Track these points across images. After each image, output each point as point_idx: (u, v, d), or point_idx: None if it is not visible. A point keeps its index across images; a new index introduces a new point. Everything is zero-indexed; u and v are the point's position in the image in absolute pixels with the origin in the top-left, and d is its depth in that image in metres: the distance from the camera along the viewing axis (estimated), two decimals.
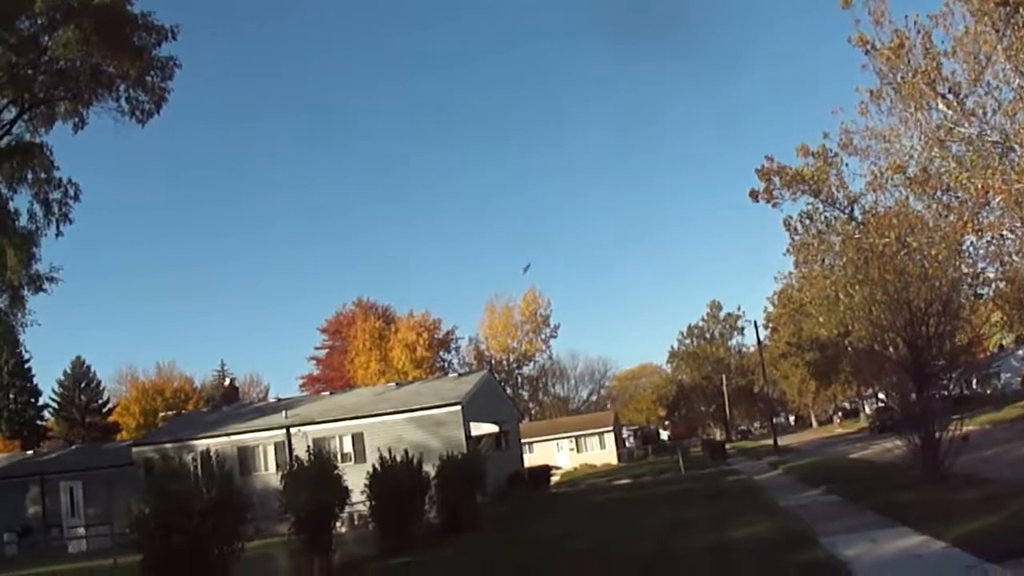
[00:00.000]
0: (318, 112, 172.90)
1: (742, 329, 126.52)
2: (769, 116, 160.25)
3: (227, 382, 71.36)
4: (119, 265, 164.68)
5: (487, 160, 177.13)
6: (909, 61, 29.25)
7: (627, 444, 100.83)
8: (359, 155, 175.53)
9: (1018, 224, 28.76)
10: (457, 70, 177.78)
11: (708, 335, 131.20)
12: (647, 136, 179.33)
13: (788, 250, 39.25)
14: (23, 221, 41.68)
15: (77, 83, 40.46)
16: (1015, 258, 30.84)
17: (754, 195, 38.64)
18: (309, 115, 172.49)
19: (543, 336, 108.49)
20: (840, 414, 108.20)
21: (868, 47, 29.97)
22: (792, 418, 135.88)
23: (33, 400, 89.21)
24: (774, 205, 38.50)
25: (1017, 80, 27.04)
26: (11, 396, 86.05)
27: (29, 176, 42.31)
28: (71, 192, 42.88)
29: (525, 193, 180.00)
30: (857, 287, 31.37)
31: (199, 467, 17.49)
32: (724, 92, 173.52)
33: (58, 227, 42.57)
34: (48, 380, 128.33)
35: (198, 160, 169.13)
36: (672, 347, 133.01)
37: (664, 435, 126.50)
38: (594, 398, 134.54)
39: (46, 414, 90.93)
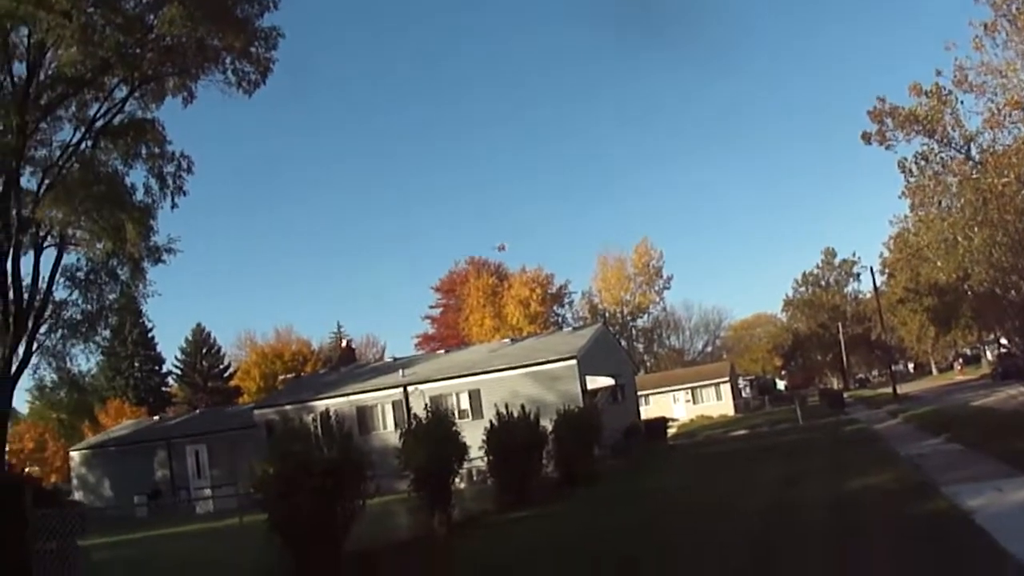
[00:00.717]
0: (427, 68, 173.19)
1: (858, 275, 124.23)
2: (881, 57, 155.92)
3: (344, 344, 72.31)
4: (236, 232, 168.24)
5: (592, 109, 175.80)
6: None
7: (743, 395, 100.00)
8: (466, 111, 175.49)
9: None
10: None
11: (823, 282, 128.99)
12: (756, 82, 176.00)
13: (903, 193, 38.32)
14: (139, 195, 42.65)
15: (184, 58, 41.10)
16: None
17: (866, 137, 37.81)
18: (418, 71, 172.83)
19: (656, 288, 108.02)
20: (961, 361, 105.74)
21: None
22: (911, 365, 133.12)
23: (157, 368, 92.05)
24: (887, 147, 37.60)
25: None
26: (136, 364, 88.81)
27: (143, 151, 43.17)
28: (184, 165, 43.71)
29: (633, 144, 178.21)
30: (976, 229, 30.61)
31: (319, 427, 17.76)
32: (837, 33, 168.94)
33: (173, 199, 43.50)
34: (171, 348, 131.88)
35: (308, 124, 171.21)
36: (787, 295, 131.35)
37: (781, 385, 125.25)
38: (709, 349, 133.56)
39: (170, 381, 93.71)
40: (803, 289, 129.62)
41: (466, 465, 25.08)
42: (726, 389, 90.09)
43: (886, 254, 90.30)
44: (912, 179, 37.68)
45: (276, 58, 42.69)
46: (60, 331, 43.91)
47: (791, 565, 12.36)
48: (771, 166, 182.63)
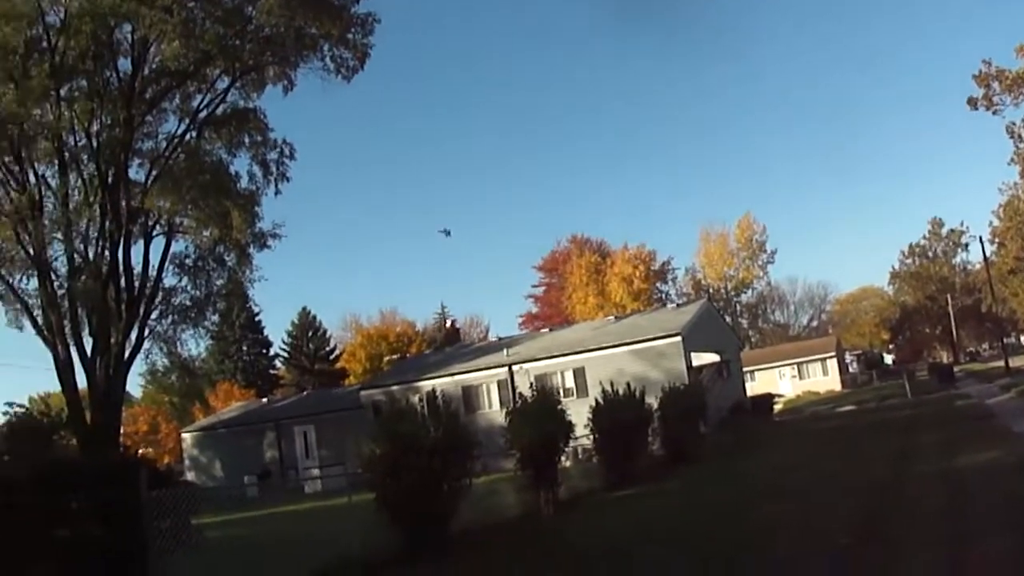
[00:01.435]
0: (526, 48, 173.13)
1: (966, 245, 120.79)
2: (987, 19, 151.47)
3: (448, 324, 72.89)
4: (339, 216, 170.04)
5: (690, 83, 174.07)
6: None
7: (850, 370, 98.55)
8: (565, 88, 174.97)
9: None
10: None
11: (930, 253, 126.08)
12: (860, 49, 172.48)
13: (1013, 159, 37.45)
14: (244, 183, 43.51)
15: (283, 47, 41.84)
16: None
17: (972, 103, 36.95)
18: (516, 50, 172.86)
19: (760, 262, 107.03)
20: None
21: None
22: None
23: (265, 351, 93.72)
24: (995, 112, 36.72)
25: None
26: (244, 348, 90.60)
27: (246, 140, 44.10)
28: (286, 152, 44.58)
29: (734, 116, 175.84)
30: None
31: (425, 407, 17.90)
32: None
33: (276, 186, 44.38)
34: (277, 331, 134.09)
35: (409, 105, 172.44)
36: (893, 267, 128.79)
37: (888, 359, 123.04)
38: (815, 324, 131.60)
39: (277, 363, 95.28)
40: (910, 261, 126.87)
41: (572, 443, 24.99)
42: (832, 364, 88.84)
43: (995, 223, 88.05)
44: (1021, 144, 36.75)
45: (373, 43, 43.40)
46: (170, 317, 44.95)
47: (904, 545, 12.12)
48: (875, 134, 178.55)
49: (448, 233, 72.61)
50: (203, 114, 43.46)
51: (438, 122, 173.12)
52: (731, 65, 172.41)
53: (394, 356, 73.53)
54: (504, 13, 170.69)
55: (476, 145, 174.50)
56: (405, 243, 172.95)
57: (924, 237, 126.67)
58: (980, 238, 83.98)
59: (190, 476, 52.20)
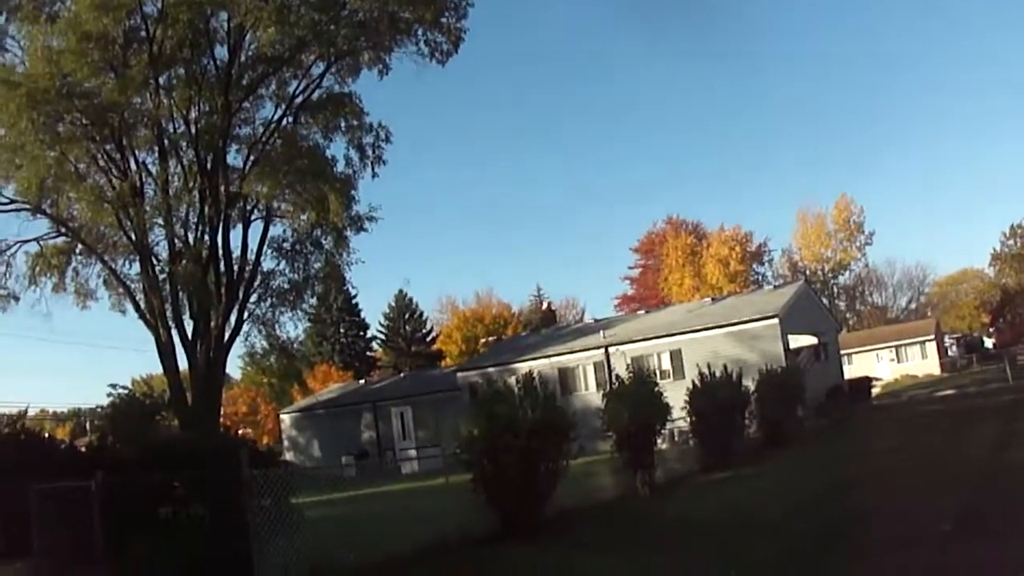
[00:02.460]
0: (622, 33, 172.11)
1: None
2: None
3: (544, 306, 72.86)
4: (435, 198, 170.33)
5: (786, 66, 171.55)
6: None
7: (949, 353, 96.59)
8: (658, 70, 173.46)
9: None
10: None
11: None
12: (956, 25, 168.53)
13: None
14: (340, 167, 43.88)
15: (377, 32, 42.13)
16: None
17: None
18: (628, 32, 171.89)
19: (858, 244, 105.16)
20: None
21: None
22: None
23: (362, 333, 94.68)
24: None
25: None
26: (342, 330, 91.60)
27: (342, 124, 44.53)
28: (382, 135, 44.89)
29: (831, 92, 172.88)
30: None
31: (522, 389, 17.91)
32: None
33: (373, 169, 44.85)
34: (374, 313, 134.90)
35: (505, 86, 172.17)
36: (994, 249, 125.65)
37: (988, 343, 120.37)
38: (913, 306, 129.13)
39: (374, 345, 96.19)
40: (1012, 242, 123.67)
41: (668, 426, 24.93)
42: (931, 347, 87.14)
43: None
44: None
45: (467, 27, 43.49)
46: (269, 300, 45.80)
47: (1006, 533, 11.78)
48: (974, 112, 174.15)
49: (407, 283, 72.72)
50: (299, 99, 44.10)
51: (536, 104, 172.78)
52: (829, 46, 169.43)
53: (490, 338, 73.62)
54: None
55: (572, 126, 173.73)
56: (501, 225, 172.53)
57: None
58: None
59: (289, 456, 52.85)
